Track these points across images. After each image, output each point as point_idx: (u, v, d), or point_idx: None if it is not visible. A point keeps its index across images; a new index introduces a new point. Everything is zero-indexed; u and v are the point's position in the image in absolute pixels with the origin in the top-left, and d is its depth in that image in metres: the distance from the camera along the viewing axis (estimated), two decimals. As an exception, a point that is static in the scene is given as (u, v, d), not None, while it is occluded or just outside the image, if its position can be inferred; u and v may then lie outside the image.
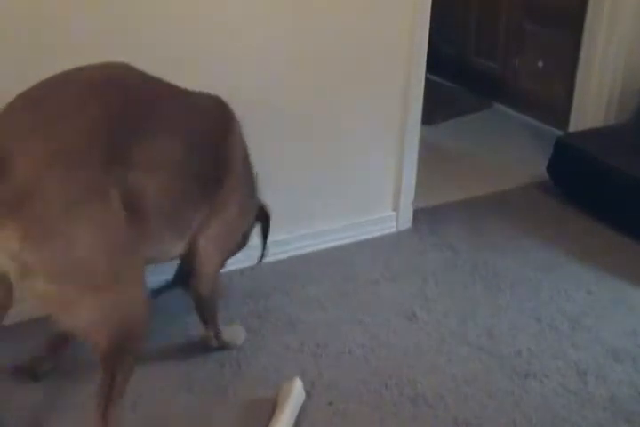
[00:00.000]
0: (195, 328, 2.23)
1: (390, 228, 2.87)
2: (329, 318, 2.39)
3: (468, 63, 4.13)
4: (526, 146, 3.58)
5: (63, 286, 1.54)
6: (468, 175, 3.31)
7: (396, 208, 2.86)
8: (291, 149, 2.56)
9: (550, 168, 3.17)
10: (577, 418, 2.04)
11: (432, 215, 2.97)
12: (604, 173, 2.91)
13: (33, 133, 1.52)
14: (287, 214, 2.61)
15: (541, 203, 3.11)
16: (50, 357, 2.11)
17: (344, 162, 2.69)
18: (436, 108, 3.76)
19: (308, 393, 2.06)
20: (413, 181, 2.86)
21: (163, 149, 1.72)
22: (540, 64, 3.70)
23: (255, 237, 2.30)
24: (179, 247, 1.92)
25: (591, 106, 3.40)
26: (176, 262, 2.14)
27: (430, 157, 3.15)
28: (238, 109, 1.98)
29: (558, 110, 3.57)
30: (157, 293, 2.14)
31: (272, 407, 2.00)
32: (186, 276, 2.06)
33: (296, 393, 2.02)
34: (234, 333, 2.27)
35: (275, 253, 2.59)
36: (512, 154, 3.52)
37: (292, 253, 2.67)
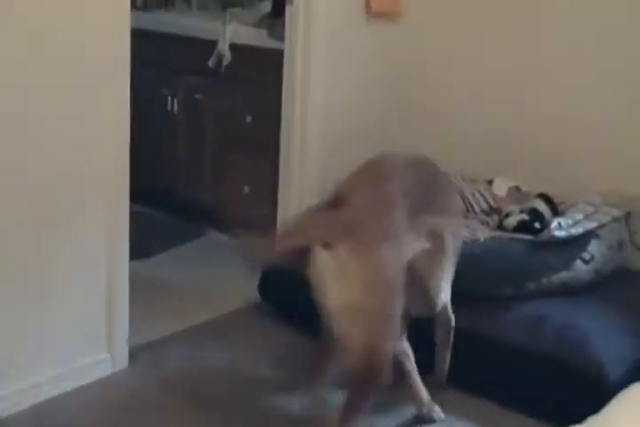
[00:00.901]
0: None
1: (105, 370, 2.81)
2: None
3: (178, 193, 4.25)
4: (240, 269, 3.68)
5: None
6: (185, 305, 3.36)
7: (110, 349, 2.82)
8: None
9: (261, 289, 3.30)
10: None
11: (150, 350, 2.96)
12: (307, 290, 3.07)
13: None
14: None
15: (256, 325, 3.21)
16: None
17: (48, 308, 2.63)
18: (149, 240, 3.82)
19: None
20: (126, 319, 2.86)
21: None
22: (246, 190, 3.90)
23: None
24: None
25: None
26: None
27: (145, 291, 3.17)
28: None
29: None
30: None
31: None
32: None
33: None
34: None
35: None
36: (227, 279, 3.60)
37: (-7, 415, 2.52)
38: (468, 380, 2.76)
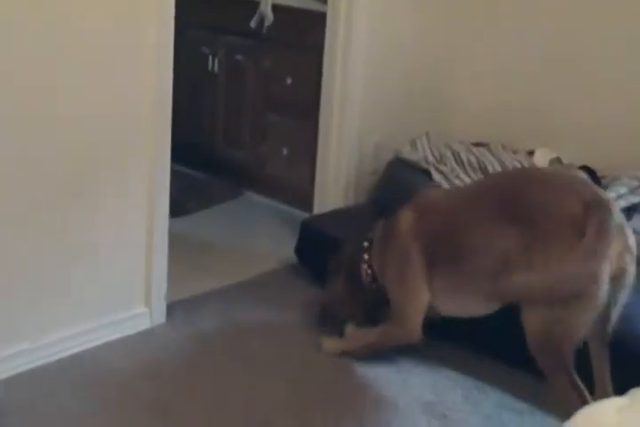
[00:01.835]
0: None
1: (143, 324, 2.85)
2: (81, 427, 2.32)
3: (216, 153, 4.26)
4: (278, 231, 3.73)
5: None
6: (221, 264, 3.38)
7: (148, 304, 2.86)
8: (30, 245, 2.50)
9: (298, 251, 3.32)
10: None
11: (187, 307, 3.00)
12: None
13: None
14: (29, 321, 2.54)
15: (291, 285, 3.24)
16: None
17: (89, 261, 2.66)
18: (187, 199, 3.84)
19: None
20: (165, 276, 2.88)
21: None
22: (285, 151, 3.90)
23: None
24: None
25: (331, 189, 3.62)
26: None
27: (183, 248, 3.21)
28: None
29: (304, 194, 3.76)
30: None
31: None
32: None
33: None
34: None
35: (19, 365, 2.51)
36: (264, 239, 3.65)
37: (37, 363, 2.56)
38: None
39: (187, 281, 3.13)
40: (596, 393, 2.35)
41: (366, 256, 2.76)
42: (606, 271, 2.19)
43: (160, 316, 2.90)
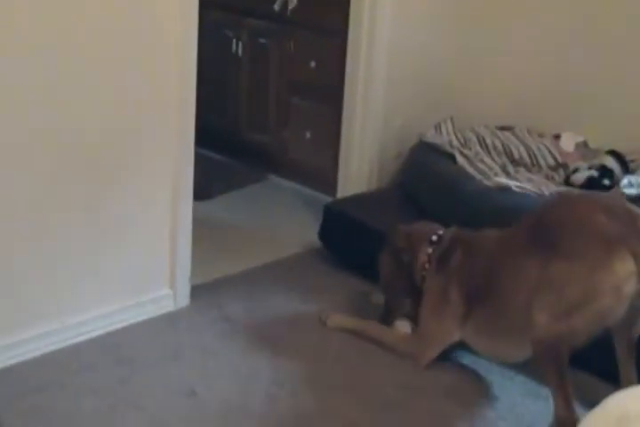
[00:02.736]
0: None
1: (167, 306, 2.86)
2: (105, 407, 2.34)
3: (240, 136, 4.25)
4: (301, 215, 3.73)
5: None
6: (245, 247, 3.39)
7: (172, 286, 2.87)
8: (55, 227, 2.51)
9: (322, 235, 3.31)
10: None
11: (211, 290, 3.01)
12: (369, 236, 3.09)
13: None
14: (55, 302, 2.56)
15: (315, 269, 3.23)
16: None
17: (114, 243, 2.68)
18: (211, 182, 3.84)
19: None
20: (189, 258, 2.90)
21: None
22: (308, 135, 3.89)
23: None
24: None
25: (355, 173, 3.61)
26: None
27: (206, 232, 3.21)
28: None
29: (328, 178, 3.75)
30: None
31: None
32: None
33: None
34: None
35: (46, 345, 2.54)
36: (288, 223, 3.65)
37: (63, 344, 2.59)
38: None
39: (211, 264, 3.14)
40: (622, 384, 2.36)
41: (429, 250, 2.68)
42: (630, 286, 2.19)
43: (184, 298, 2.91)
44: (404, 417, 2.40)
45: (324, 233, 3.31)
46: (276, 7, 3.88)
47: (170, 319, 2.83)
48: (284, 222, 3.67)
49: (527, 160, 3.44)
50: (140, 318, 2.78)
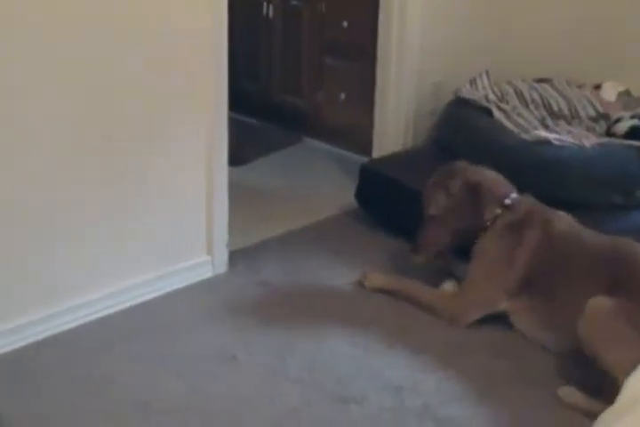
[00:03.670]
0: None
1: (206, 273, 2.86)
2: (147, 375, 2.36)
3: (274, 100, 4.21)
4: (337, 176, 3.70)
5: None
6: (281, 211, 3.37)
7: (210, 252, 2.87)
8: (90, 194, 2.51)
9: (358, 195, 3.28)
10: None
11: (248, 255, 3.00)
12: (406, 195, 3.04)
13: None
14: (92, 271, 2.57)
15: (353, 230, 3.21)
16: None
17: (150, 210, 2.67)
18: (245, 147, 3.82)
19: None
20: (226, 224, 2.89)
21: None
22: (342, 96, 3.84)
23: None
24: None
25: (390, 132, 3.56)
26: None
27: (243, 197, 3.18)
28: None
29: (363, 139, 3.70)
30: None
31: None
32: None
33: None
34: None
35: (86, 315, 2.56)
36: (324, 185, 3.62)
37: (104, 313, 2.60)
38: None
39: (248, 229, 3.14)
40: None
41: (498, 211, 2.60)
42: None
43: (222, 264, 2.91)
44: (447, 376, 2.38)
45: (360, 194, 3.28)
46: (307, -33, 3.81)
47: (208, 286, 2.83)
48: (321, 185, 3.64)
49: (567, 112, 3.35)
50: (178, 286, 2.79)
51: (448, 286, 2.76)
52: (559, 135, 3.02)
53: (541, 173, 2.89)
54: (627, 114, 3.12)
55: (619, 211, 2.82)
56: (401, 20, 3.44)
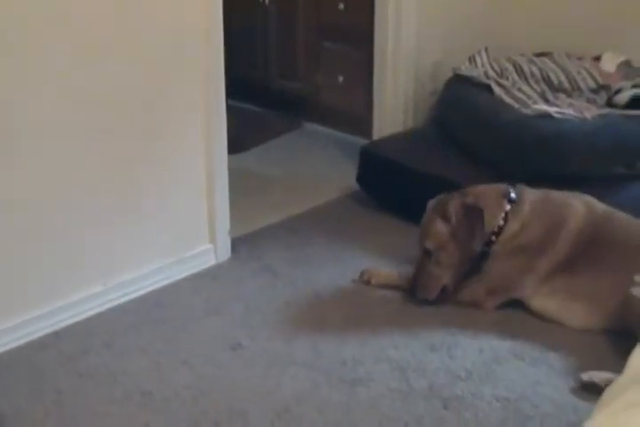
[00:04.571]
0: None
1: (209, 261, 2.85)
2: (152, 365, 2.35)
3: (272, 85, 4.19)
4: (338, 160, 3.68)
5: None
6: (283, 196, 3.36)
7: (212, 240, 2.86)
8: (92, 188, 2.50)
9: (359, 178, 3.26)
10: (402, 414, 2.12)
11: (251, 241, 2.99)
12: (407, 176, 3.02)
13: None
14: (97, 264, 2.57)
15: (355, 213, 3.19)
16: None
17: (150, 200, 2.66)
18: (245, 134, 3.80)
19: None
20: (227, 211, 2.87)
21: None
22: (341, 79, 3.81)
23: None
24: None
25: (389, 113, 3.53)
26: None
27: (244, 185, 3.18)
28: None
29: (363, 121, 3.68)
30: None
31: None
32: None
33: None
34: None
35: (91, 308, 2.56)
36: (325, 169, 3.60)
37: (108, 305, 2.60)
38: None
39: (250, 216, 3.12)
40: None
41: (508, 207, 2.54)
42: None
43: (225, 251, 2.90)
44: (452, 356, 2.36)
45: (361, 176, 3.25)
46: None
47: (212, 274, 2.82)
48: (322, 169, 3.62)
49: (567, 85, 3.31)
50: (182, 275, 2.78)
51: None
52: (560, 108, 2.98)
53: (543, 147, 2.86)
54: (627, 84, 3.07)
55: (621, 182, 2.79)
56: (397, 1, 3.40)
